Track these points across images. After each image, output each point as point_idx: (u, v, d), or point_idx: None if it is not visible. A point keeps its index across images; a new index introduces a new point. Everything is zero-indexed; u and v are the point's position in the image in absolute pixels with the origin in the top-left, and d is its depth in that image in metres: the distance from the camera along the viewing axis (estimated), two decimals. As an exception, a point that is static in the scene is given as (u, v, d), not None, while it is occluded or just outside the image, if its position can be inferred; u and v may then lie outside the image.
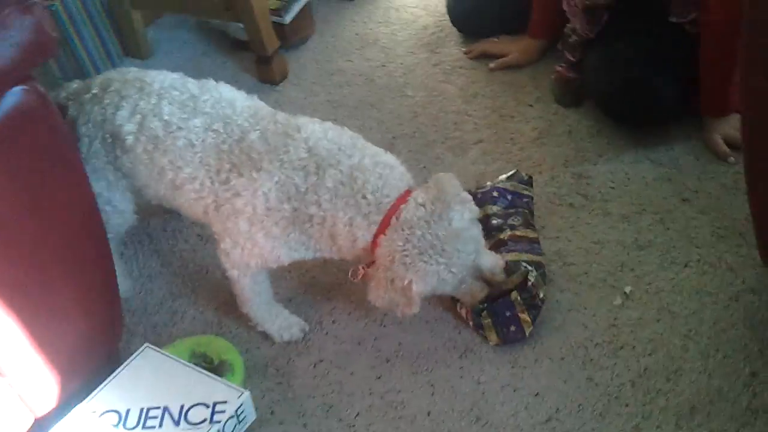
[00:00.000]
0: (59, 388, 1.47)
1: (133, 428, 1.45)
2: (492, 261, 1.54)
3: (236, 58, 2.50)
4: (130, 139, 1.54)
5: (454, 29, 2.45)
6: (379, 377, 1.59)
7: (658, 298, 1.64)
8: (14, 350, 1.36)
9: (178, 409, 1.47)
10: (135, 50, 2.55)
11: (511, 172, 1.84)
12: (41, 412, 1.46)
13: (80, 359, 1.54)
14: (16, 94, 1.29)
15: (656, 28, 1.95)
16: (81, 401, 1.50)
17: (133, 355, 1.57)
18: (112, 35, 2.50)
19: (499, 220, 1.72)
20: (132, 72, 1.63)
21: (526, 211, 1.76)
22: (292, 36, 2.48)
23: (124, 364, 1.56)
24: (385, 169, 1.47)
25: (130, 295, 1.81)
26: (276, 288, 1.80)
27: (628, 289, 1.66)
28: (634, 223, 1.79)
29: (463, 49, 2.39)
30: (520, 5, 2.25)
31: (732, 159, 1.89)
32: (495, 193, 1.77)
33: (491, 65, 2.31)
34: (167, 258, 1.91)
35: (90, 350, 1.57)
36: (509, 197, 1.77)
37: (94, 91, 1.59)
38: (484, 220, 1.69)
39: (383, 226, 1.44)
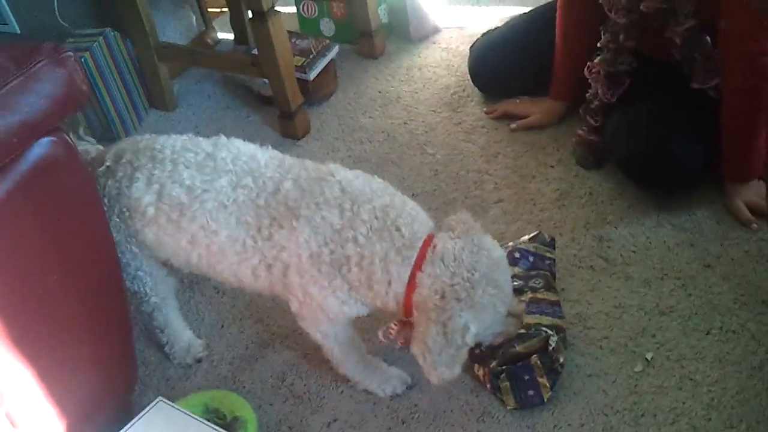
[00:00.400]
0: (69, 439, 1.46)
1: (144, 484, 1.43)
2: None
3: (260, 112, 2.53)
4: (150, 210, 1.51)
5: (476, 89, 2.47)
6: (394, 439, 1.57)
7: (679, 365, 1.61)
8: (28, 400, 1.35)
9: (190, 465, 1.45)
10: (160, 102, 2.59)
11: (533, 234, 1.82)
12: (52, 464, 1.45)
13: (93, 411, 1.53)
14: (44, 145, 1.30)
15: (678, 92, 1.96)
16: (91, 454, 1.49)
17: (146, 409, 1.55)
18: (139, 87, 2.54)
19: (520, 282, 1.70)
20: (143, 140, 1.58)
21: (548, 273, 1.74)
22: (315, 92, 2.52)
23: (137, 417, 1.54)
24: (414, 210, 1.46)
25: (205, 355, 1.80)
26: (291, 343, 1.79)
27: (649, 355, 1.63)
28: (655, 288, 1.77)
29: (485, 109, 2.40)
30: (541, 67, 2.27)
31: (755, 226, 1.87)
32: (517, 254, 1.76)
33: (512, 126, 2.32)
34: (183, 310, 1.89)
35: (103, 402, 1.56)
36: (531, 259, 1.76)
37: (107, 164, 1.55)
38: None
39: (419, 262, 1.40)
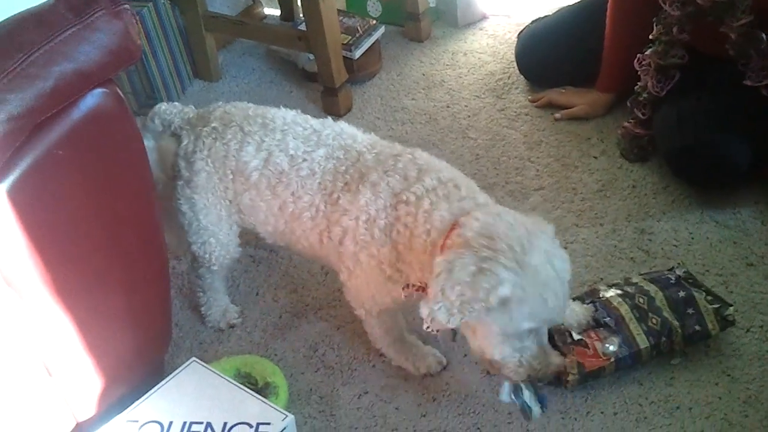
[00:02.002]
0: (104, 394, 1.47)
1: (175, 441, 1.44)
2: (579, 311, 1.49)
3: (302, 88, 2.53)
4: (255, 175, 1.54)
5: (521, 77, 2.45)
6: (424, 415, 1.56)
7: (717, 360, 1.59)
8: (64, 351, 1.36)
9: (221, 425, 1.45)
10: (205, 72, 2.60)
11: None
12: (84, 416, 1.46)
13: (127, 367, 1.54)
14: (96, 96, 1.31)
15: (729, 89, 1.93)
16: (123, 410, 1.49)
17: (180, 368, 1.56)
18: (185, 56, 2.55)
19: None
20: (252, 108, 1.62)
21: (677, 326, 1.55)
22: (359, 71, 2.51)
23: (170, 375, 1.55)
24: (481, 192, 1.43)
25: (239, 322, 1.81)
26: (324, 314, 1.79)
27: (686, 349, 1.61)
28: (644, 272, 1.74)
29: (529, 97, 2.38)
30: (588, 57, 2.25)
31: (801, 227, 1.85)
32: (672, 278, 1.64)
33: (557, 115, 2.30)
34: (219, 276, 1.91)
35: (137, 359, 1.57)
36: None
37: (213, 125, 1.59)
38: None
39: (469, 212, 1.31)
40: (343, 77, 2.36)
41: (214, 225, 1.63)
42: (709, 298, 1.59)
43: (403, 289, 1.39)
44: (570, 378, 1.52)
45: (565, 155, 2.16)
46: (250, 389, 1.53)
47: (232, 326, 1.79)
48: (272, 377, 1.60)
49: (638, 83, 2.09)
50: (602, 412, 1.52)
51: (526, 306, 1.24)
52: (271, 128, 1.56)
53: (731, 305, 1.59)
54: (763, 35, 1.85)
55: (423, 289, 1.34)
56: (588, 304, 1.60)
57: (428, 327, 1.29)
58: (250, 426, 1.44)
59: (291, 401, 1.60)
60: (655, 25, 1.98)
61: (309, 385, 1.65)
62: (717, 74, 1.98)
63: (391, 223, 1.41)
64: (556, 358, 1.36)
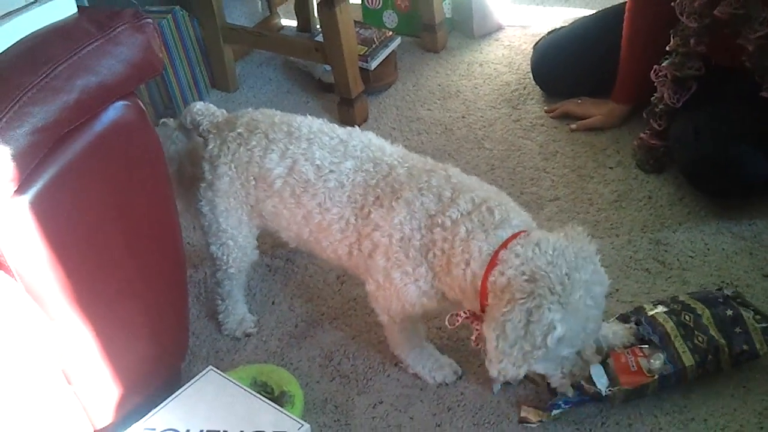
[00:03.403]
0: (121, 402, 1.49)
1: (191, 449, 1.45)
2: (621, 333, 1.49)
3: (319, 98, 2.55)
4: (278, 183, 1.55)
5: (537, 88, 2.46)
6: (439, 425, 1.57)
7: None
8: (83, 359, 1.38)
9: (237, 434, 1.46)
10: (223, 83, 2.62)
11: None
12: (101, 424, 1.47)
13: (144, 375, 1.56)
14: (118, 108, 1.33)
15: (746, 100, 1.93)
16: (140, 418, 1.50)
17: (197, 377, 1.58)
18: (202, 66, 2.58)
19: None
20: (278, 115, 1.64)
21: (724, 345, 1.52)
22: (375, 82, 2.53)
23: (187, 384, 1.56)
24: (517, 208, 1.43)
25: (255, 331, 1.82)
26: (340, 324, 1.80)
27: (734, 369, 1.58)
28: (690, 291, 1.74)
29: (545, 108, 2.39)
30: (605, 69, 2.25)
31: (817, 239, 1.84)
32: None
33: (572, 126, 2.31)
34: (236, 285, 1.93)
35: (154, 367, 1.58)
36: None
37: (239, 131, 1.61)
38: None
39: (506, 242, 1.33)
40: (359, 88, 2.38)
41: (233, 228, 1.65)
42: (758, 317, 1.56)
43: (448, 319, 1.45)
44: (613, 398, 1.50)
45: (581, 166, 2.16)
46: (266, 398, 1.54)
47: (248, 335, 1.80)
48: (288, 386, 1.61)
49: (654, 94, 2.09)
50: (617, 423, 1.52)
51: (569, 338, 1.30)
52: (297, 136, 1.57)
53: None
54: (780, 48, 1.85)
55: (472, 317, 1.41)
56: (632, 321, 1.58)
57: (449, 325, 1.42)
58: (266, 435, 1.46)
59: (306, 410, 1.61)
60: (672, 36, 1.99)
61: (324, 395, 1.66)
62: (733, 86, 1.98)
63: (426, 244, 1.42)
64: (593, 357, 1.41)
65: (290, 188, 1.55)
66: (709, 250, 1.86)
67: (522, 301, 1.26)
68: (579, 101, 2.34)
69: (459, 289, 1.40)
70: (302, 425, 1.46)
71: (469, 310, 1.42)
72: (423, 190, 1.44)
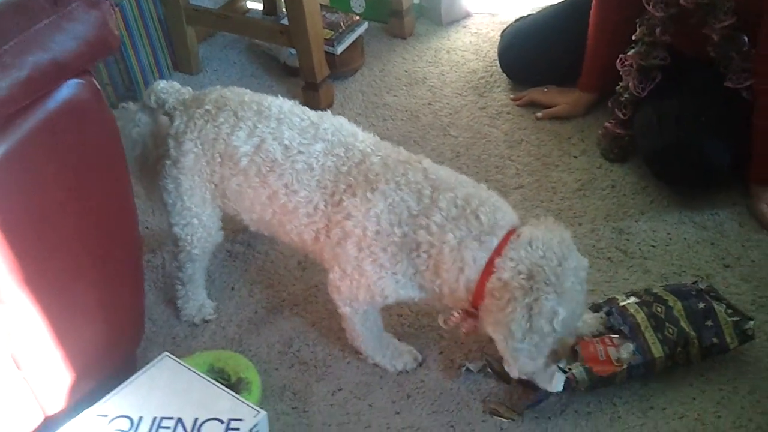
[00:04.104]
0: (73, 388, 1.46)
1: (144, 436, 1.42)
2: (590, 321, 1.49)
3: (284, 82, 2.52)
4: (244, 161, 1.53)
5: (503, 75, 2.44)
6: (399, 412, 1.55)
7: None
8: (34, 343, 1.35)
9: (192, 421, 1.44)
10: (185, 65, 2.58)
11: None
12: (52, 410, 1.44)
13: (98, 360, 1.52)
14: (72, 86, 1.29)
15: (710, 91, 1.93)
16: (93, 404, 1.47)
17: (151, 363, 1.55)
18: (165, 48, 2.53)
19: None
20: (248, 94, 1.62)
21: (694, 337, 1.52)
22: (341, 66, 2.50)
23: (142, 370, 1.53)
24: (498, 202, 1.43)
25: (213, 318, 1.79)
26: (300, 310, 1.77)
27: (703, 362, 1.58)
28: (667, 283, 1.74)
29: (511, 96, 2.38)
30: (571, 57, 2.24)
31: (777, 230, 1.85)
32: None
33: (538, 114, 2.30)
34: (195, 270, 1.90)
35: (108, 352, 1.55)
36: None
37: (207, 107, 1.58)
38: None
39: (499, 248, 1.35)
40: (324, 72, 2.34)
41: (198, 207, 1.62)
42: (730, 311, 1.56)
43: (444, 320, 1.47)
44: (579, 383, 1.49)
45: (546, 154, 2.16)
46: (223, 385, 1.52)
47: (206, 322, 1.77)
48: (245, 373, 1.59)
49: (620, 83, 2.10)
50: (576, 411, 1.51)
51: (567, 321, 1.35)
52: (266, 116, 1.54)
53: (752, 319, 1.56)
54: (745, 37, 1.86)
55: (465, 314, 1.43)
56: (603, 311, 1.58)
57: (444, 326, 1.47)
58: (222, 422, 1.43)
59: (264, 397, 1.59)
60: (638, 26, 1.99)
61: (283, 381, 1.63)
62: (698, 76, 1.99)
63: (408, 243, 1.40)
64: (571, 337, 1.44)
65: (256, 167, 1.52)
66: (671, 239, 1.87)
67: (521, 298, 1.31)
68: (545, 89, 2.33)
69: (449, 290, 1.41)
70: (258, 412, 1.44)
71: (462, 310, 1.44)
72: (401, 185, 1.41)
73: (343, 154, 1.48)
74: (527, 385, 1.50)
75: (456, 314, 1.45)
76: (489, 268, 1.35)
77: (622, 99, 2.08)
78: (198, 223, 1.64)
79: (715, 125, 1.89)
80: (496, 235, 1.37)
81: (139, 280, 1.58)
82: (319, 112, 1.58)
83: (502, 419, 1.51)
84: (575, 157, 2.14)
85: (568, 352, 1.46)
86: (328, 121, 1.55)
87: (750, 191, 1.92)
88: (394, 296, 1.48)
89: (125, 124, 1.66)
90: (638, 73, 2.03)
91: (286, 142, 1.50)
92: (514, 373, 1.39)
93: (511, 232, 1.38)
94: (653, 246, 1.85)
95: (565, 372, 1.46)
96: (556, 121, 2.27)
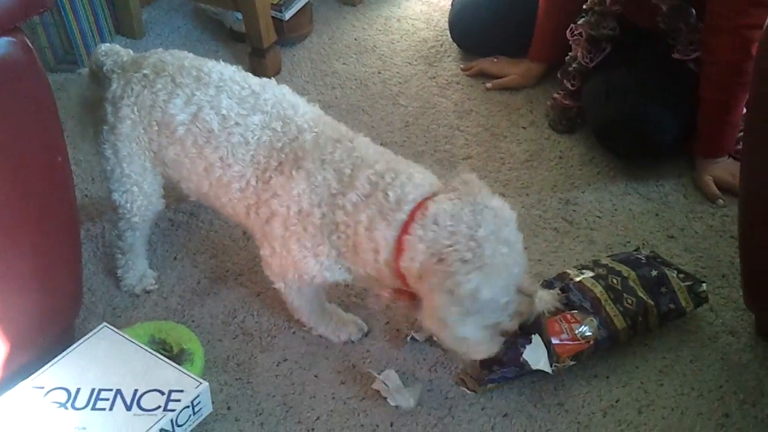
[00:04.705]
0: (8, 360, 1.41)
1: (82, 408, 1.38)
2: (547, 298, 1.47)
3: (230, 48, 2.46)
4: (181, 130, 1.47)
5: (454, 45, 2.42)
6: (344, 382, 1.54)
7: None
8: (-36, 314, 1.29)
9: (132, 392, 1.40)
10: (128, 29, 2.50)
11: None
12: (-15, 382, 1.39)
13: (33, 330, 1.47)
14: (2, 44, 1.23)
15: (658, 62, 1.94)
16: (28, 376, 1.43)
17: (90, 333, 1.51)
18: (106, 10, 2.45)
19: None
20: (188, 58, 1.55)
21: (652, 305, 1.53)
22: (289, 32, 2.45)
23: (79, 341, 1.49)
24: (415, 173, 1.37)
25: (155, 288, 1.74)
26: (245, 280, 1.74)
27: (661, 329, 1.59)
28: (610, 254, 1.75)
29: (461, 66, 2.36)
30: (522, 28, 2.23)
31: (721, 201, 1.87)
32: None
33: (488, 85, 2.28)
34: (137, 239, 1.85)
35: (45, 322, 1.50)
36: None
37: (145, 72, 1.51)
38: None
39: (406, 225, 1.30)
40: (272, 38, 2.29)
41: (137, 174, 1.57)
42: (681, 275, 1.57)
43: (372, 301, 1.45)
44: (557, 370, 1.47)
45: (495, 125, 2.15)
46: (164, 356, 1.48)
47: (148, 292, 1.73)
48: (188, 344, 1.55)
49: (569, 53, 2.09)
50: (521, 380, 1.51)
51: (501, 289, 1.29)
52: (205, 82, 1.48)
53: (703, 282, 1.57)
54: (692, 9, 1.86)
55: (396, 294, 1.40)
56: (557, 287, 1.56)
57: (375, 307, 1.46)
58: (162, 393, 1.40)
59: (207, 368, 1.56)
60: (588, -5, 1.98)
61: (226, 352, 1.60)
62: (647, 48, 1.99)
63: (328, 225, 1.37)
64: (532, 288, 1.40)
65: (193, 137, 1.47)
66: (616, 210, 1.88)
67: (441, 286, 1.26)
68: (495, 60, 2.32)
69: (374, 272, 1.38)
70: (200, 383, 1.41)
71: (392, 290, 1.40)
72: (325, 164, 1.38)
73: (279, 129, 1.43)
74: (484, 362, 1.48)
75: (386, 294, 1.41)
76: (399, 247, 1.31)
77: (571, 69, 2.08)
78: (138, 190, 1.59)
79: (663, 97, 1.89)
80: (402, 211, 1.31)
81: (76, 248, 1.53)
82: (263, 80, 1.52)
83: (466, 390, 1.50)
84: (524, 128, 2.13)
85: (531, 306, 1.40)
86: (270, 90, 1.49)
87: (695, 163, 1.94)
88: (321, 278, 1.44)
89: (79, 89, 1.60)
90: (588, 44, 2.03)
91: (224, 111, 1.45)
92: (478, 357, 1.38)
93: (419, 205, 1.31)
94: (599, 216, 1.86)
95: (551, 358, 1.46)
96: (506, 92, 2.26)
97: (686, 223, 1.84)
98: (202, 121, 1.45)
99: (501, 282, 1.29)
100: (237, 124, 1.44)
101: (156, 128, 1.50)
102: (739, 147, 1.83)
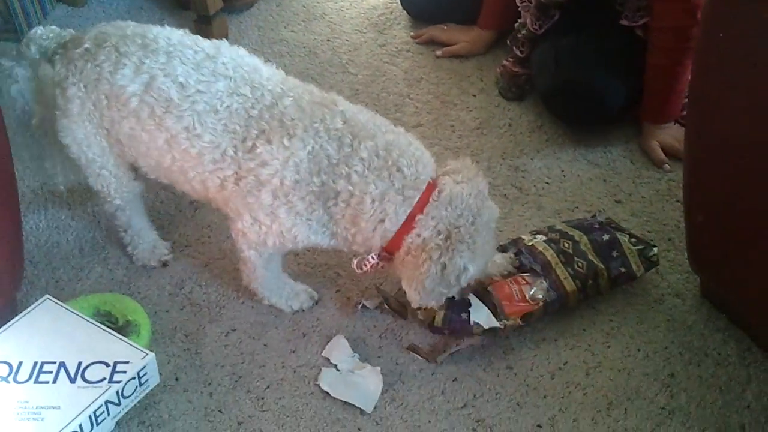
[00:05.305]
0: (-55, 334, 1.37)
1: (24, 382, 1.35)
2: (500, 262, 1.53)
3: (174, 15, 2.41)
4: (134, 101, 1.40)
5: (404, 12, 2.41)
6: (294, 351, 1.52)
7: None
8: None
9: (76, 365, 1.37)
10: (69, -3, 2.43)
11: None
12: None
13: (-28, 305, 1.43)
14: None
15: (606, 29, 1.94)
16: (-31, 350, 1.39)
17: (32, 306, 1.47)
18: (45, -22, 2.37)
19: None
20: (130, 27, 1.47)
21: (602, 269, 1.54)
22: None
23: (21, 314, 1.45)
24: (418, 150, 1.39)
25: (170, 258, 1.71)
26: (192, 251, 1.72)
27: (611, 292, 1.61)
28: (565, 219, 1.77)
29: (411, 33, 2.34)
30: (471, -5, 2.23)
31: (667, 166, 1.89)
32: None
33: (438, 52, 2.27)
34: (78, 211, 1.81)
35: (-16, 297, 1.46)
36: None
37: (86, 46, 1.44)
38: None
39: (421, 204, 1.35)
40: (218, 5, 2.25)
41: (100, 157, 1.51)
42: (633, 240, 1.59)
43: (357, 263, 1.43)
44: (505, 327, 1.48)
45: (445, 93, 2.14)
46: (110, 328, 1.45)
47: (164, 264, 1.69)
48: (134, 315, 1.52)
49: (518, 20, 2.09)
50: (470, 345, 1.52)
51: (477, 270, 1.41)
52: (153, 49, 1.41)
53: (655, 246, 1.60)
54: (640, -25, 1.87)
55: (383, 259, 1.42)
56: (511, 252, 1.58)
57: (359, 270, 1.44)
58: (107, 365, 1.37)
59: (154, 340, 1.53)
60: (537, -39, 1.98)
61: (174, 323, 1.58)
62: (595, 14, 2.00)
63: (326, 192, 1.35)
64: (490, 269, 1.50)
65: (149, 108, 1.40)
66: (565, 176, 1.89)
67: (437, 257, 1.34)
68: (445, 27, 2.31)
69: (363, 240, 1.39)
70: (146, 354, 1.39)
71: (376, 254, 1.41)
72: (320, 132, 1.35)
73: (250, 94, 1.38)
74: (451, 335, 1.50)
75: (371, 259, 1.41)
76: (410, 223, 1.35)
77: (520, 36, 2.07)
78: (108, 173, 1.54)
79: (610, 64, 1.90)
80: (418, 190, 1.35)
81: (14, 220, 1.49)
82: (215, 41, 1.46)
83: (419, 357, 1.50)
84: (474, 95, 2.13)
85: (474, 286, 1.49)
86: (226, 53, 1.43)
87: (642, 129, 1.96)
88: (306, 242, 1.43)
89: (2, 81, 1.51)
90: (537, 10, 2.02)
91: (181, 79, 1.38)
92: (415, 305, 1.42)
93: (431, 185, 1.36)
94: (547, 183, 1.87)
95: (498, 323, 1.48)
96: (456, 59, 2.25)
97: (633, 188, 1.86)
98: (158, 90, 1.39)
99: (482, 264, 1.41)
100: (200, 92, 1.38)
101: (105, 102, 1.43)
102: (685, 113, 1.86)
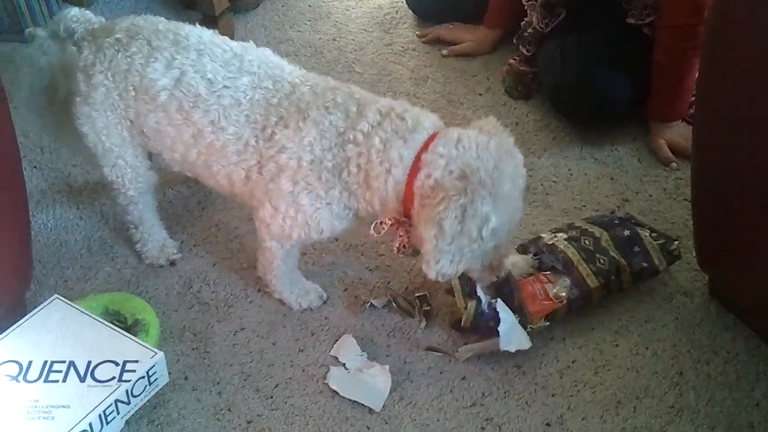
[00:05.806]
0: (-45, 333, 1.37)
1: (34, 381, 1.35)
2: (521, 263, 1.50)
3: (181, 15, 2.41)
4: (163, 95, 1.42)
5: (409, 12, 2.41)
6: (302, 350, 1.53)
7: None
8: None
9: (85, 364, 1.37)
10: (76, -3, 2.43)
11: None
12: (-67, 357, 1.35)
13: (-18, 305, 1.44)
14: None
15: (613, 27, 1.94)
16: (-22, 349, 1.39)
17: (41, 305, 1.47)
18: (52, -23, 2.38)
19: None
20: (163, 22, 1.50)
21: (624, 265, 1.54)
22: None
23: (30, 313, 1.46)
24: (425, 111, 1.38)
25: (179, 257, 1.71)
26: (200, 251, 1.72)
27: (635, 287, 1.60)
28: (573, 218, 1.77)
29: (417, 33, 2.35)
30: (477, -6, 2.23)
31: (674, 165, 1.89)
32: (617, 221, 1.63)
33: (444, 51, 2.28)
34: (87, 211, 1.81)
35: (-6, 296, 1.46)
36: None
37: (117, 36, 1.45)
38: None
39: (426, 145, 1.29)
40: (224, 5, 2.25)
41: (118, 147, 1.52)
42: (654, 234, 1.59)
43: (374, 227, 1.36)
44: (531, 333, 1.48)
45: (451, 92, 2.14)
46: (119, 327, 1.46)
47: (172, 263, 1.69)
48: (142, 314, 1.52)
49: (525, 19, 2.09)
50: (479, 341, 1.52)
51: (499, 229, 1.28)
52: (184, 46, 1.44)
53: (676, 240, 1.59)
54: (646, -26, 1.87)
55: (397, 224, 1.35)
56: (531, 252, 1.57)
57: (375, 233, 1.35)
58: (117, 364, 1.37)
59: (163, 339, 1.54)
60: (543, -40, 1.98)
61: (182, 323, 1.58)
62: (601, 13, 1.99)
63: (339, 164, 1.35)
64: (508, 250, 1.43)
65: (177, 102, 1.42)
66: (572, 175, 1.89)
67: (456, 197, 1.24)
68: (451, 26, 2.31)
69: (379, 201, 1.36)
70: (155, 353, 1.39)
71: (393, 217, 1.36)
72: (329, 108, 1.36)
73: (272, 87, 1.40)
74: (483, 333, 1.49)
75: (388, 220, 1.36)
76: (416, 165, 1.30)
77: (526, 35, 2.07)
78: (125, 164, 1.55)
79: (617, 62, 1.90)
80: (421, 133, 1.32)
81: (23, 219, 1.49)
82: (242, 42, 1.49)
83: (435, 353, 1.50)
84: (480, 94, 2.13)
85: (502, 267, 1.42)
86: (253, 52, 1.46)
87: (649, 127, 1.96)
88: (330, 230, 1.43)
89: (33, 51, 1.53)
90: (543, 9, 2.02)
91: (210, 75, 1.41)
92: (432, 274, 1.30)
93: (436, 134, 1.32)
94: (555, 182, 1.87)
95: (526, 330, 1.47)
96: (462, 59, 2.26)
97: (641, 186, 1.85)
98: (187, 86, 1.41)
99: (505, 220, 1.29)
100: (226, 86, 1.40)
101: (133, 94, 1.45)
102: (692, 111, 1.86)
